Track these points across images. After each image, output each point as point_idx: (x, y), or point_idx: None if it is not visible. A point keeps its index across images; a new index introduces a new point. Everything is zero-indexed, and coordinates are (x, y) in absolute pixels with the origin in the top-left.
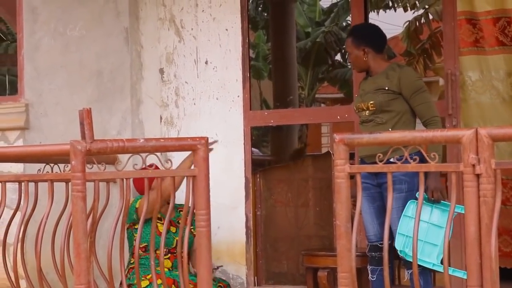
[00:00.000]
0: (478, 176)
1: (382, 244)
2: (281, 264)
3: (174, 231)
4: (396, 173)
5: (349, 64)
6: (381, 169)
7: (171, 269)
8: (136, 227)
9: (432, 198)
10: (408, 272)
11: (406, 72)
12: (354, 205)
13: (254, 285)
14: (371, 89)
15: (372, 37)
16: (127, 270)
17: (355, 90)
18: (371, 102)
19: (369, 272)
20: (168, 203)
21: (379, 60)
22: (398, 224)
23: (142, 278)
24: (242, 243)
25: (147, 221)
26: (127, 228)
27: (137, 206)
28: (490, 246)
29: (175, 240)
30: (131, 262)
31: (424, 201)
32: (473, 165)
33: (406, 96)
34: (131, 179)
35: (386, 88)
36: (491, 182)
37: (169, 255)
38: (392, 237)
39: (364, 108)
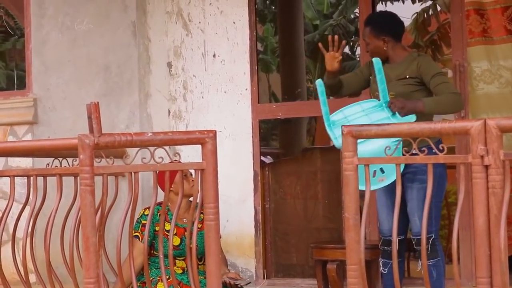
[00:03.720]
0: (486, 167)
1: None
2: (290, 257)
3: None
4: (418, 164)
5: (357, 56)
6: (389, 161)
7: (186, 269)
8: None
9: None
10: (420, 263)
11: (424, 57)
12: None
13: (263, 278)
14: (391, 78)
15: (392, 26)
16: None
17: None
18: (392, 92)
19: (381, 265)
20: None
21: (398, 49)
22: (418, 214)
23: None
24: (251, 236)
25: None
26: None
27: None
28: (499, 237)
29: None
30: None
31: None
32: (482, 156)
33: (426, 80)
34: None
35: (408, 77)
36: (499, 173)
37: (184, 257)
38: (403, 231)
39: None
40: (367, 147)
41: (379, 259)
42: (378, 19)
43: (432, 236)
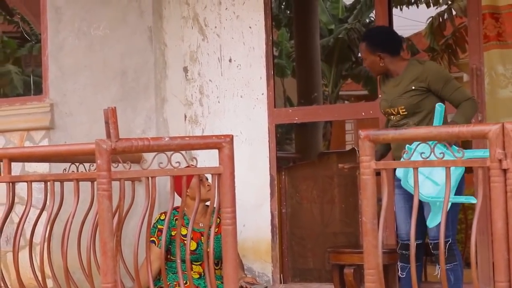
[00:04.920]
0: (505, 171)
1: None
2: (307, 261)
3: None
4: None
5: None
6: (407, 165)
7: (202, 274)
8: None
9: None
10: (438, 267)
11: (430, 66)
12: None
13: (280, 283)
14: (397, 92)
15: (387, 42)
16: None
17: (379, 87)
18: (402, 106)
19: (399, 269)
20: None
21: (397, 62)
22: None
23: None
24: (267, 241)
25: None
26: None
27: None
28: None
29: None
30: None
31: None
32: (500, 160)
33: (436, 90)
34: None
35: (413, 88)
36: None
37: (200, 262)
38: (422, 236)
39: (394, 112)
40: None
41: (397, 263)
42: (374, 36)
43: (449, 241)
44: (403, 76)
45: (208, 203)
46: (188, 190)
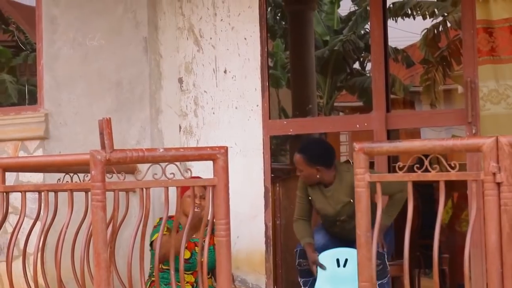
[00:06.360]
0: (498, 184)
1: None
2: None
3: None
4: None
5: (367, 72)
6: (401, 178)
7: (194, 285)
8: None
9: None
10: None
11: None
12: None
13: None
14: (335, 204)
15: (324, 157)
16: (149, 283)
17: (374, 99)
18: (342, 217)
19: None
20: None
21: (329, 172)
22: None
23: None
24: (261, 252)
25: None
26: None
27: (153, 238)
28: (511, 255)
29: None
30: (153, 274)
31: None
32: (494, 174)
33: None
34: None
35: (352, 201)
36: None
37: (192, 271)
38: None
39: (336, 218)
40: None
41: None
42: (311, 150)
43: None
44: (335, 187)
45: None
46: (179, 206)
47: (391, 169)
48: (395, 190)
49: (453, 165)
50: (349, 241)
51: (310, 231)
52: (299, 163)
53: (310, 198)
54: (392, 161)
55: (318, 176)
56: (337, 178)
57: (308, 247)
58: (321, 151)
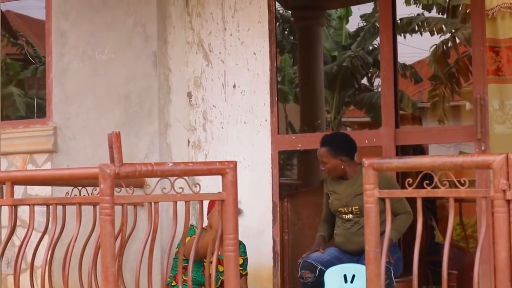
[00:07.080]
0: (508, 201)
1: None
2: None
3: (221, 270)
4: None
5: (375, 88)
6: (410, 194)
7: None
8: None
9: None
10: None
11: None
12: None
13: None
14: (350, 193)
15: (348, 147)
16: None
17: (383, 115)
18: (356, 206)
19: None
20: None
21: (353, 166)
22: None
23: None
24: (269, 268)
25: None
26: (176, 253)
27: (186, 240)
28: None
29: (220, 280)
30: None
31: None
32: (504, 191)
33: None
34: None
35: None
36: None
37: (200, 284)
38: None
39: (347, 211)
40: None
41: None
42: (335, 141)
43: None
44: (356, 179)
45: None
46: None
47: (400, 185)
48: (400, 210)
49: (462, 182)
50: (358, 251)
51: (327, 228)
52: (323, 155)
53: (329, 195)
54: (402, 178)
55: (342, 167)
56: (359, 172)
57: (318, 237)
58: (345, 142)
